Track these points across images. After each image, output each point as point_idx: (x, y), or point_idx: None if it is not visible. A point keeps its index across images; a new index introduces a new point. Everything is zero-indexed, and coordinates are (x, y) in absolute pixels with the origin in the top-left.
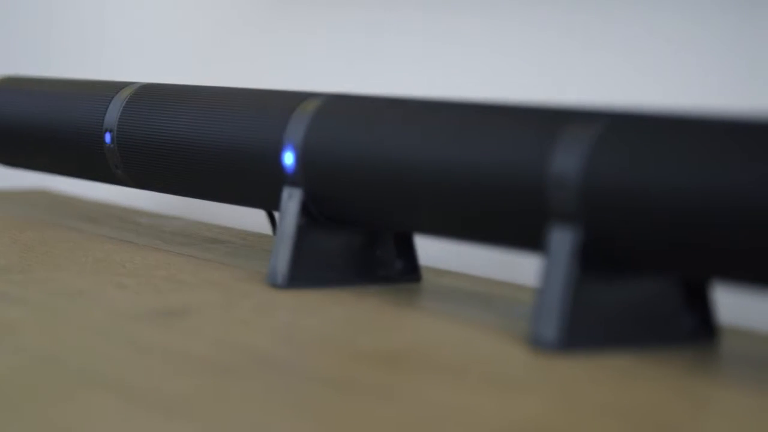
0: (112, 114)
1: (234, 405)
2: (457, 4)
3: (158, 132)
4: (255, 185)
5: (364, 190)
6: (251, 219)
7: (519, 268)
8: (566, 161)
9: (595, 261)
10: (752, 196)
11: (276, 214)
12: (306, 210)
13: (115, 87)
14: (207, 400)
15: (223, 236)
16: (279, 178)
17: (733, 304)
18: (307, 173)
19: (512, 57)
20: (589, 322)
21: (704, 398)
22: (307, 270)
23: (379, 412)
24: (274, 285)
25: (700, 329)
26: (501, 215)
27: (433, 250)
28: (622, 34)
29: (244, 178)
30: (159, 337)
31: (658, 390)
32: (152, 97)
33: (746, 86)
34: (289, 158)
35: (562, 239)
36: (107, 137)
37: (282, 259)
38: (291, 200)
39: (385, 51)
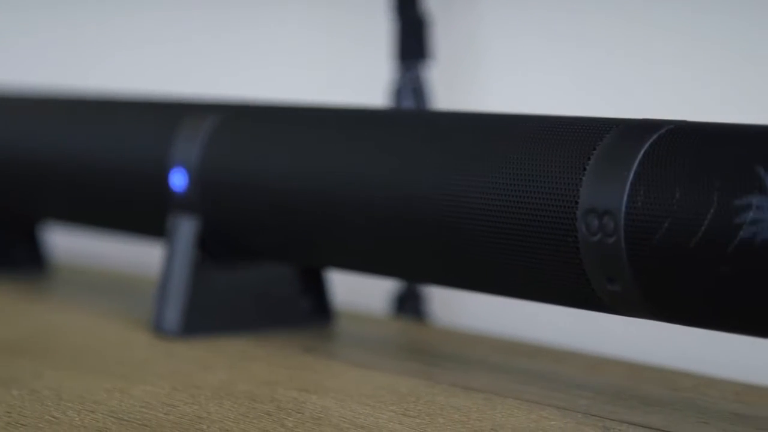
0: None
1: None
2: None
3: None
4: None
5: None
6: None
7: (151, 258)
8: (185, 152)
9: (216, 249)
10: (360, 189)
11: None
12: None
13: None
14: None
15: None
16: None
17: (348, 289)
18: None
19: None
20: (210, 307)
21: (318, 375)
22: None
23: None
24: None
25: (316, 312)
26: (123, 204)
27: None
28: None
29: None
30: None
31: (275, 369)
32: None
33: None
34: None
35: (183, 228)
36: None
37: None
38: None
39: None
